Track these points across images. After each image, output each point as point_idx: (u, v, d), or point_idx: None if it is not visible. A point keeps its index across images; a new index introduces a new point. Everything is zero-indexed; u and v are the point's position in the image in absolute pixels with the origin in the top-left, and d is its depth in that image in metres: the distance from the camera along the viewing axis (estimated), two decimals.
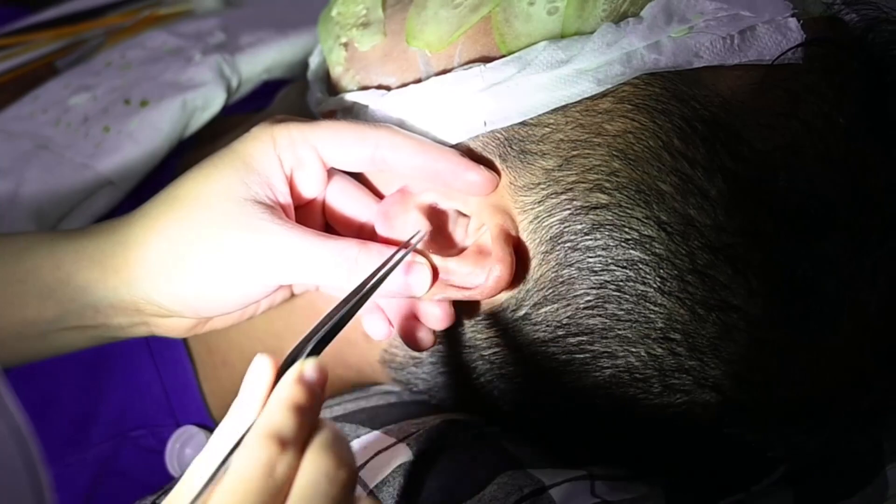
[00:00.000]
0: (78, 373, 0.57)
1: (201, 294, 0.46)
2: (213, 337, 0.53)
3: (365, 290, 0.42)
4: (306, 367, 0.37)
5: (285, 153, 0.46)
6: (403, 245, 0.45)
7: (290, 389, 0.36)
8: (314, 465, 0.35)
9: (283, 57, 0.71)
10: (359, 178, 0.50)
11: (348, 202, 0.49)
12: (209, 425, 0.57)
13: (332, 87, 0.54)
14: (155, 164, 0.62)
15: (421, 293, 0.46)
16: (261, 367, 0.37)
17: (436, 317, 0.47)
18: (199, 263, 0.45)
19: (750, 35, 0.44)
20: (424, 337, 0.48)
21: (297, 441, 0.35)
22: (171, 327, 0.49)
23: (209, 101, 0.65)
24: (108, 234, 0.47)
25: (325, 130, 0.46)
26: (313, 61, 0.56)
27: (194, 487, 0.35)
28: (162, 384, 0.57)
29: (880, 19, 0.46)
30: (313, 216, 0.49)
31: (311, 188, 0.48)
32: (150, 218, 0.47)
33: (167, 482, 0.53)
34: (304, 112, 0.55)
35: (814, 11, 0.46)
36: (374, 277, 0.43)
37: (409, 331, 0.48)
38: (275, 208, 0.46)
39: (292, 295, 0.53)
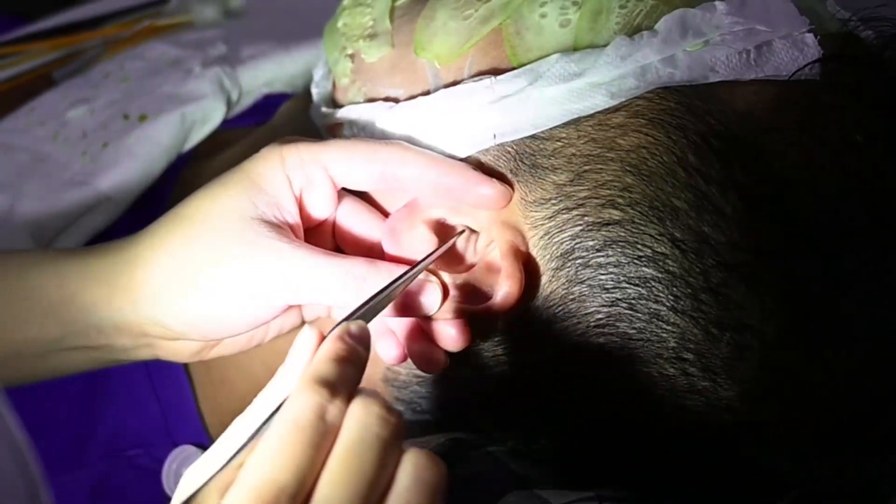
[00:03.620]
0: (75, 391, 0.56)
1: (207, 314, 0.45)
2: None
3: (417, 267, 0.43)
4: (351, 325, 0.37)
5: (294, 173, 0.45)
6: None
7: (335, 343, 0.36)
8: (365, 410, 0.35)
9: (285, 70, 0.71)
10: (364, 196, 0.49)
11: (358, 224, 0.48)
12: (207, 445, 0.56)
13: (336, 100, 0.53)
14: (153, 178, 0.61)
15: (432, 311, 0.45)
16: (305, 337, 0.37)
17: (451, 337, 0.46)
18: (206, 282, 0.44)
19: (766, 50, 0.43)
20: (438, 358, 0.47)
21: (345, 390, 0.35)
22: (175, 351, 0.48)
23: (209, 115, 0.65)
24: (115, 254, 0.46)
25: (336, 149, 0.45)
26: (317, 73, 0.55)
27: (236, 443, 0.35)
28: (159, 403, 0.56)
29: None
30: (323, 238, 0.49)
31: (321, 209, 0.47)
32: (156, 237, 0.46)
33: (163, 502, 0.52)
34: (307, 126, 0.54)
35: (831, 27, 0.46)
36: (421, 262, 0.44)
37: (420, 352, 0.47)
38: (282, 228, 0.45)
39: (303, 322, 0.51)
